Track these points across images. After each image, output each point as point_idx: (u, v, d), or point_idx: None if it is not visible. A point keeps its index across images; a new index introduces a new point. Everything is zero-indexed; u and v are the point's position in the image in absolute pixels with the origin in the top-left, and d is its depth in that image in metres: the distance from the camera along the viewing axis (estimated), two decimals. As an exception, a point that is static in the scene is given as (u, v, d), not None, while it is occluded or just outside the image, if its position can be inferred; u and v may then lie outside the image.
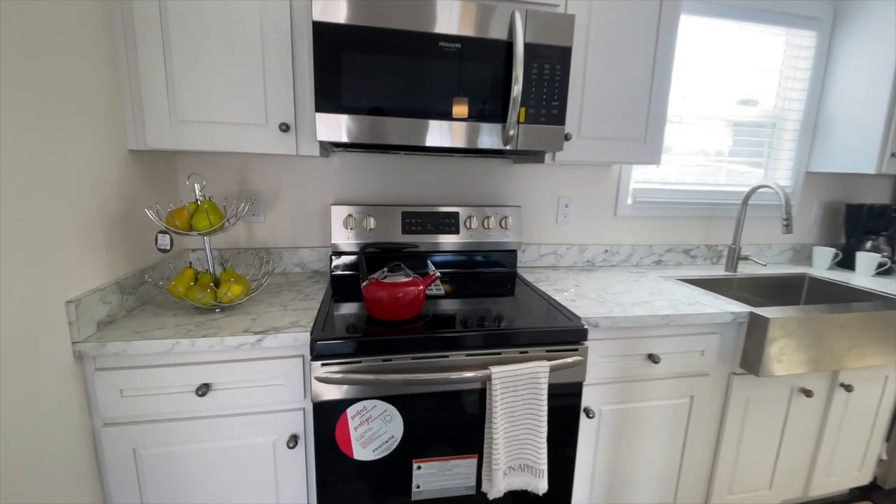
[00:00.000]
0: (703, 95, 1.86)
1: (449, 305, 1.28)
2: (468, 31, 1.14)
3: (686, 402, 1.34)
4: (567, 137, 1.35)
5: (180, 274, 1.15)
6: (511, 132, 1.19)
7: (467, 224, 1.57)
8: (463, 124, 1.20)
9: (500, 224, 1.61)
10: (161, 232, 1.08)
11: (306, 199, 1.58)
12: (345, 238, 1.50)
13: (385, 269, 1.14)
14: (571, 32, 1.20)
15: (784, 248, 2.10)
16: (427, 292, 1.36)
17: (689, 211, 1.90)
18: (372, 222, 1.50)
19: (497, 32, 1.16)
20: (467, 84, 1.17)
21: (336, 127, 1.13)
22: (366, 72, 1.11)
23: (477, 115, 1.20)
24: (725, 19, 1.78)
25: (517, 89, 1.14)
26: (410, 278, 1.13)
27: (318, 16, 1.06)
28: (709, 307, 1.32)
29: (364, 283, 1.12)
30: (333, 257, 1.52)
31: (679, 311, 1.26)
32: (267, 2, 1.13)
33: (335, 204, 1.52)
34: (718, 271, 1.86)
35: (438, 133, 1.19)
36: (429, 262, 1.56)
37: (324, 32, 1.07)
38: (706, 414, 1.40)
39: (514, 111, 1.16)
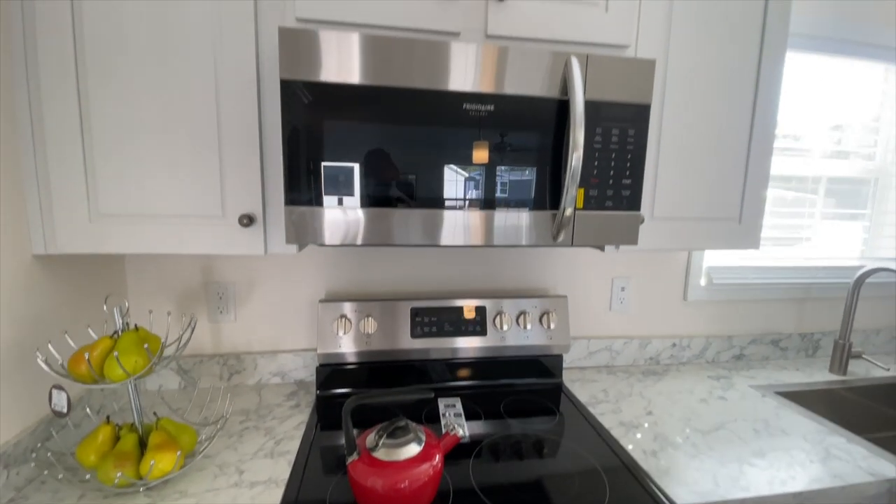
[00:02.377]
0: (789, 147, 1.48)
1: (475, 467, 0.89)
2: (504, 88, 0.80)
3: None
4: (640, 221, 0.97)
5: (92, 434, 0.80)
6: (565, 222, 0.83)
7: (497, 322, 1.20)
8: (495, 214, 0.84)
9: (541, 321, 1.23)
10: (55, 387, 0.74)
11: (289, 292, 1.23)
12: (336, 346, 1.14)
13: (382, 433, 0.76)
14: (651, 84, 0.85)
15: None
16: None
17: (778, 292, 1.49)
18: (372, 325, 1.14)
19: (544, 87, 0.82)
20: (502, 160, 0.82)
21: (315, 225, 0.78)
22: (357, 147, 0.77)
23: (516, 202, 0.84)
24: (811, 53, 1.41)
25: (575, 163, 0.78)
26: (419, 449, 0.75)
27: (288, 72, 0.74)
28: (851, 468, 0.90)
29: (350, 459, 0.74)
30: (321, 370, 1.16)
31: (819, 486, 0.85)
32: (224, 45, 0.81)
33: (325, 300, 1.16)
34: (821, 372, 1.43)
35: (461, 228, 0.83)
36: (443, 410, 1.13)
37: (296, 94, 0.74)
38: None
39: (571, 194, 0.80)
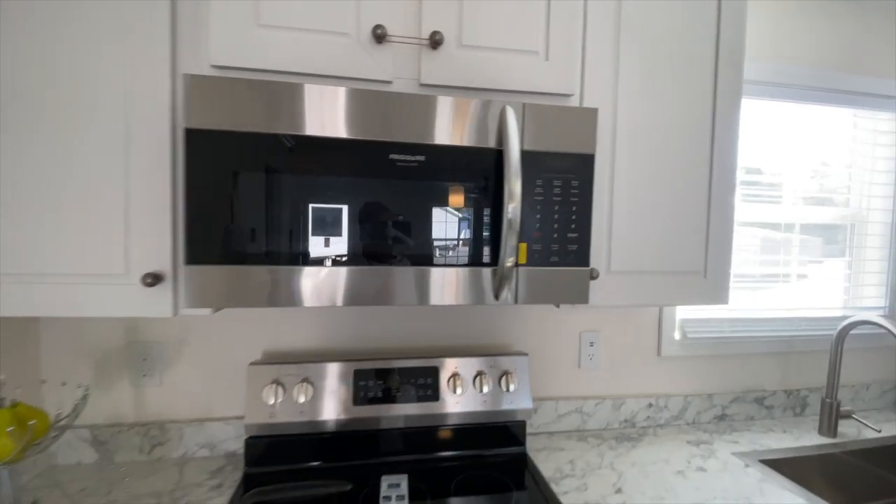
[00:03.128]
0: (760, 194, 1.44)
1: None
2: (436, 138, 0.74)
3: None
4: (592, 276, 0.89)
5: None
6: (506, 279, 0.75)
7: (450, 385, 1.09)
8: (429, 272, 0.76)
9: (500, 383, 1.12)
10: None
11: (223, 352, 1.12)
12: (267, 415, 1.02)
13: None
14: (593, 133, 0.80)
15: (887, 387, 1.55)
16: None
17: (759, 346, 1.40)
18: (309, 391, 1.03)
19: (481, 137, 0.76)
20: (435, 213, 0.76)
21: (219, 286, 0.70)
22: (268, 200, 0.70)
23: (452, 259, 0.77)
24: (781, 101, 1.40)
25: (511, 215, 0.71)
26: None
27: (197, 121, 0.67)
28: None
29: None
30: (250, 444, 1.03)
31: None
32: (135, 92, 0.75)
33: (257, 363, 1.05)
34: (809, 434, 1.31)
35: (390, 287, 0.75)
36: (386, 491, 0.94)
37: (204, 145, 0.68)
38: None
39: (510, 248, 0.73)
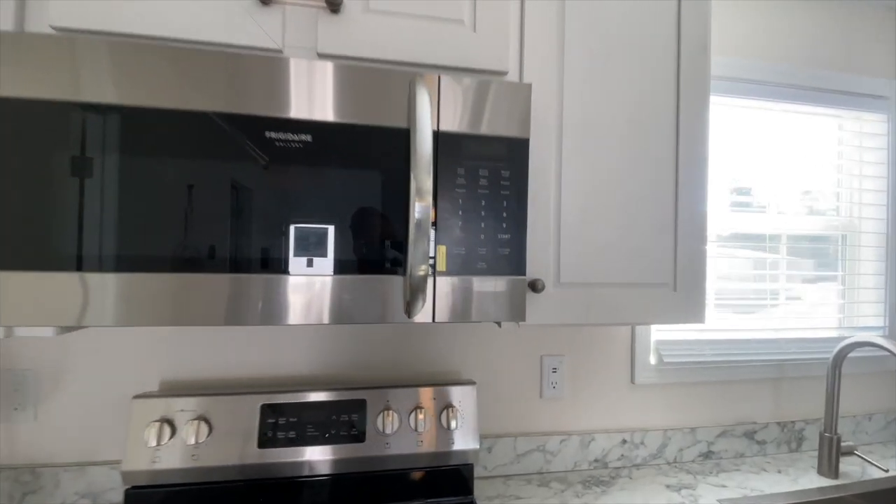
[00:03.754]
0: (742, 203, 1.31)
1: None
2: (328, 114, 0.60)
3: None
4: (536, 288, 0.74)
5: None
6: (416, 291, 0.59)
7: (380, 423, 0.91)
8: (318, 283, 0.60)
9: (441, 419, 0.94)
10: None
11: (111, 381, 0.94)
12: (149, 461, 0.83)
13: None
14: (528, 114, 0.66)
15: (891, 416, 1.38)
16: None
17: (746, 371, 1.24)
18: (202, 430, 0.85)
19: (387, 115, 0.62)
20: (327, 207, 0.60)
21: (42, 299, 0.53)
22: (114, 189, 0.55)
23: (354, 264, 0.61)
24: (763, 99, 1.28)
25: (419, 214, 0.56)
26: None
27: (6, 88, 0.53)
28: None
29: None
30: (130, 496, 0.84)
31: None
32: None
33: (142, 396, 0.88)
34: (808, 474, 1.14)
35: (272, 300, 0.59)
36: None
37: (5, 115, 0.53)
38: None
39: (419, 254, 0.57)
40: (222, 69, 0.58)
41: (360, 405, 0.92)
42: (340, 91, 0.61)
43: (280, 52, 0.66)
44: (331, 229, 0.60)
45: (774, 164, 1.31)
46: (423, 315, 0.63)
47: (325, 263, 0.60)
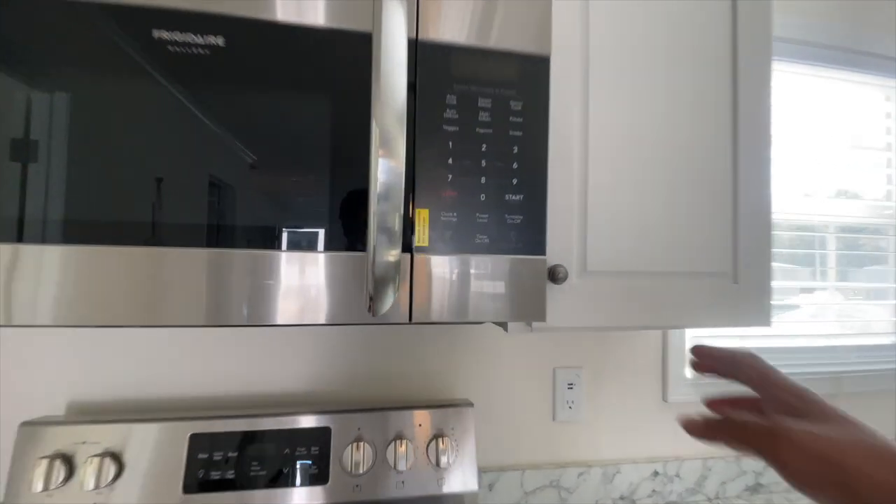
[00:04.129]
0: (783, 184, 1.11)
1: None
2: (250, 8, 0.40)
3: None
4: (556, 277, 0.53)
5: None
6: (384, 281, 0.38)
7: (348, 459, 0.69)
8: (259, 256, 0.40)
9: (429, 451, 0.73)
10: None
11: (8, 400, 0.73)
12: (33, 516, 0.62)
13: None
14: (548, 19, 0.46)
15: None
16: None
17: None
18: (109, 470, 0.63)
19: (342, 14, 0.42)
20: (260, 144, 0.40)
21: None
22: None
23: (293, 240, 0.41)
24: (804, 63, 1.09)
25: (386, 175, 0.36)
26: None
27: None
28: None
29: None
30: (4, 563, 0.62)
31: None
32: None
33: (33, 423, 0.66)
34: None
35: (188, 286, 0.38)
36: None
37: None
38: None
39: (381, 226, 0.37)
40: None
41: (322, 435, 0.70)
42: (272, -24, 0.41)
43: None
44: (259, 183, 0.40)
45: (809, 136, 1.12)
46: (394, 313, 0.42)
47: (236, 234, 0.40)
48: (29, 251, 0.37)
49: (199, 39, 0.39)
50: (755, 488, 0.99)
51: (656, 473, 0.94)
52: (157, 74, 0.38)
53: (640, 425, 0.95)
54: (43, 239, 0.37)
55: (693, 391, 0.97)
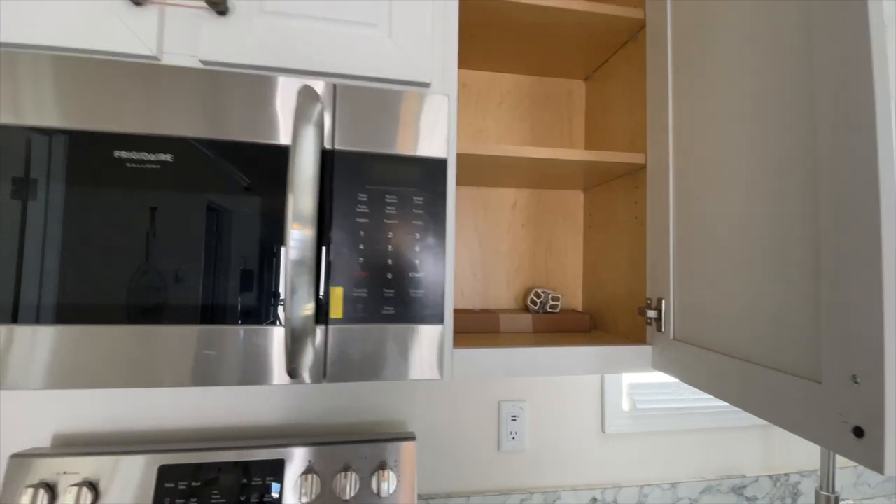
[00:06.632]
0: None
1: None
2: (192, 129, 0.50)
3: None
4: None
5: None
6: (300, 346, 0.48)
7: (302, 489, 0.78)
8: (179, 332, 0.49)
9: (373, 482, 0.81)
10: None
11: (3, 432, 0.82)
12: (16, 539, 0.70)
13: None
14: (446, 129, 0.56)
15: (897, 466, 1.24)
16: None
17: (732, 417, 1.11)
18: (85, 499, 0.72)
19: (268, 130, 0.52)
20: (190, 242, 0.50)
21: None
22: None
23: (222, 311, 0.50)
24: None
25: (298, 243, 0.46)
26: None
27: None
28: None
29: None
30: (-11, 582, 0.71)
31: None
32: None
33: (23, 454, 0.75)
34: (807, 539, 1.00)
35: (131, 356, 0.48)
36: None
37: None
38: None
39: (297, 298, 0.46)
40: (76, 78, 0.48)
41: (276, 467, 0.79)
42: (214, 102, 0.51)
43: (156, 59, 0.56)
44: (194, 269, 0.49)
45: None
46: (312, 374, 0.51)
47: (181, 313, 0.49)
48: (22, 331, 0.46)
49: (148, 158, 0.49)
50: (690, 514, 1.07)
51: (595, 500, 1.01)
52: (116, 184, 0.48)
53: (580, 454, 1.03)
54: (36, 320, 0.47)
55: (631, 422, 1.05)
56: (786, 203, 0.48)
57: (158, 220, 0.49)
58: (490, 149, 0.71)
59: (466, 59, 0.95)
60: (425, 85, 0.63)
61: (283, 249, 0.47)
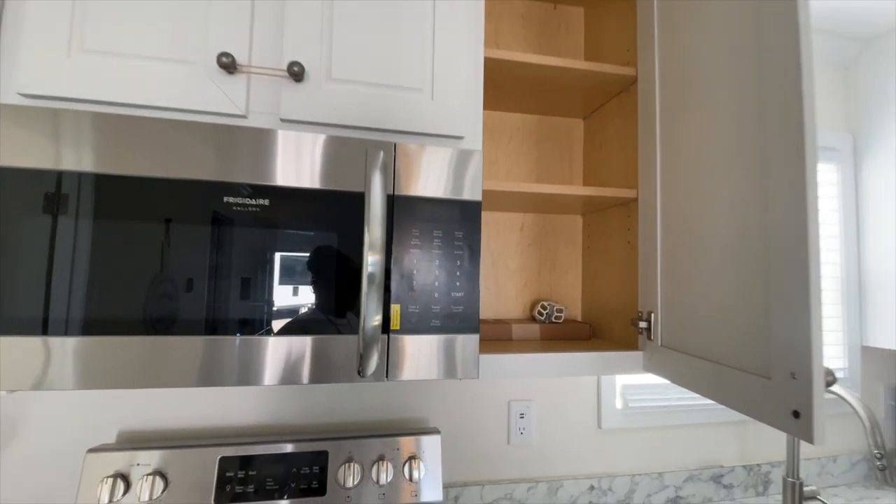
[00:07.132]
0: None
1: None
2: (284, 179, 0.63)
3: None
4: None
5: None
6: (370, 351, 0.60)
7: (342, 476, 0.90)
8: (269, 343, 0.61)
9: (405, 469, 0.94)
10: None
11: (68, 431, 0.92)
12: (101, 521, 0.81)
13: None
14: (479, 177, 0.70)
15: (856, 458, 1.41)
16: None
17: (711, 414, 1.26)
18: (157, 486, 0.83)
19: (343, 180, 0.65)
20: (284, 271, 0.62)
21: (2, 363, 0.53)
22: (68, 251, 0.56)
23: (302, 326, 0.62)
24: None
25: (372, 268, 0.58)
26: None
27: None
28: None
29: None
30: (76, 559, 0.81)
31: None
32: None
33: (98, 449, 0.86)
34: (775, 520, 1.15)
35: (221, 363, 0.60)
36: None
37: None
38: None
39: (371, 310, 0.59)
40: (191, 139, 0.60)
41: (321, 457, 0.91)
42: (295, 157, 0.64)
43: (244, 117, 0.69)
44: (287, 291, 0.62)
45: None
46: (375, 374, 0.64)
47: (282, 325, 0.61)
48: (55, 341, 0.58)
49: (251, 203, 0.61)
50: (675, 500, 1.21)
51: (592, 488, 1.15)
52: (224, 223, 0.61)
53: (579, 447, 1.17)
54: (65, 332, 0.58)
55: (624, 419, 1.19)
56: (748, 240, 0.63)
57: (267, 254, 0.61)
58: (506, 186, 0.85)
59: (483, 102, 1.09)
60: (459, 138, 0.77)
61: (362, 272, 0.59)
